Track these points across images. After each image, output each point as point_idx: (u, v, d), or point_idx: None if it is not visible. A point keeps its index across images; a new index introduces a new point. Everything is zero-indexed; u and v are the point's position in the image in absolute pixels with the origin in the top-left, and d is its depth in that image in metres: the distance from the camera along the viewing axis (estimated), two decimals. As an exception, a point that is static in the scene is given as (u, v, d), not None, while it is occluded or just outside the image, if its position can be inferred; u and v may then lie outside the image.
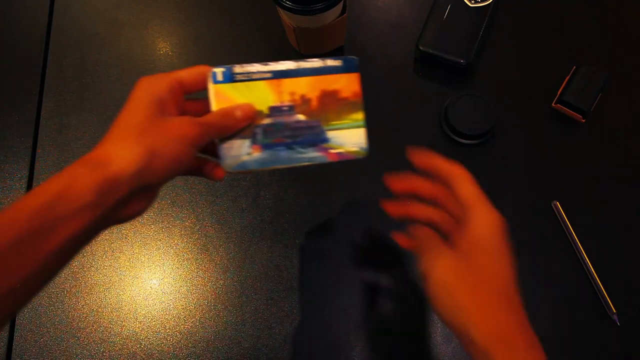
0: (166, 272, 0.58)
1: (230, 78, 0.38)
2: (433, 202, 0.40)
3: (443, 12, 0.62)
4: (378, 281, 0.57)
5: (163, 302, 0.57)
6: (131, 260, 0.58)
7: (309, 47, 0.63)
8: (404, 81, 0.64)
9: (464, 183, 0.38)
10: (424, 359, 0.54)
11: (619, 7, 0.65)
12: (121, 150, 0.31)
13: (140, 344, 0.55)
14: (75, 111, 0.64)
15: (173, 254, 0.58)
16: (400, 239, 0.42)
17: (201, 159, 0.39)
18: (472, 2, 0.62)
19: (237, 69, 0.38)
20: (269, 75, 0.39)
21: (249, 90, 0.39)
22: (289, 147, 0.39)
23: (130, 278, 0.58)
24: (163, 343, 0.55)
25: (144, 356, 0.55)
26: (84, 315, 0.56)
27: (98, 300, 0.57)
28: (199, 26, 0.67)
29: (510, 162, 0.60)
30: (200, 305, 0.56)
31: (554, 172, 0.59)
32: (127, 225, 0.60)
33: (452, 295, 0.35)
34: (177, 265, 0.58)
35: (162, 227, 0.59)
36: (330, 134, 0.40)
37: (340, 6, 0.55)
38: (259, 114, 0.39)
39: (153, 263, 0.58)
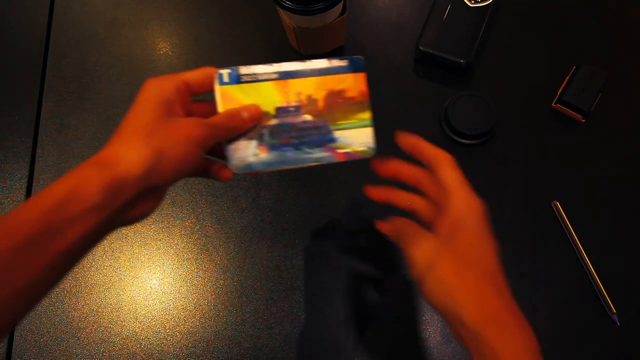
0: (166, 272, 0.58)
1: (236, 79, 0.38)
2: (415, 188, 0.41)
3: (443, 12, 0.62)
4: (378, 281, 0.57)
5: (163, 302, 0.57)
6: (131, 260, 0.58)
7: (309, 47, 0.63)
8: (404, 81, 0.64)
9: (446, 167, 0.38)
10: (424, 359, 0.54)
11: (619, 7, 0.65)
12: (128, 152, 0.31)
13: (140, 344, 0.55)
14: (75, 111, 0.64)
15: (173, 254, 0.58)
16: (382, 226, 0.42)
17: (208, 160, 0.39)
18: (472, 2, 0.62)
19: (243, 70, 0.38)
20: (275, 76, 0.39)
21: (255, 91, 0.39)
22: (296, 147, 0.39)
23: (130, 278, 0.58)
24: (163, 343, 0.55)
25: (144, 356, 0.55)
26: (84, 315, 0.56)
27: (98, 300, 0.57)
28: (199, 26, 0.67)
29: (510, 162, 0.60)
30: (200, 305, 0.56)
31: (554, 172, 0.59)
32: (127, 225, 0.60)
33: (441, 278, 0.35)
34: (177, 265, 0.58)
35: (162, 227, 0.59)
36: (337, 134, 0.40)
37: (340, 6, 0.55)
38: (265, 115, 0.39)
39: (153, 263, 0.58)
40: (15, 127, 0.64)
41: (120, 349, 0.55)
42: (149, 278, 0.58)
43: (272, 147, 0.39)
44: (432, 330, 0.55)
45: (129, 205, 0.32)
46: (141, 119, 0.33)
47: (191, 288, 0.57)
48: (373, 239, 0.58)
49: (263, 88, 0.39)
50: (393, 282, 0.57)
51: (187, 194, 0.60)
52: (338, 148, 0.40)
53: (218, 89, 0.38)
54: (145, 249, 0.59)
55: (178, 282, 0.57)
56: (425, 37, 0.61)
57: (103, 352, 0.55)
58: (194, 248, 0.58)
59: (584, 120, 0.60)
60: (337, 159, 0.40)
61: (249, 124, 0.38)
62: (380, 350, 0.54)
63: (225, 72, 0.38)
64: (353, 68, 0.40)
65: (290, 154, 0.39)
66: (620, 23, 0.65)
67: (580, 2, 0.65)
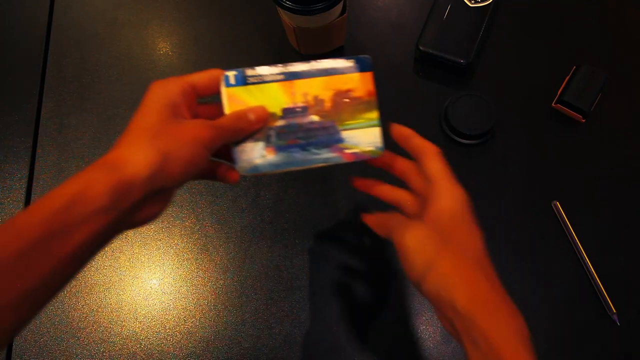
0: (166, 272, 0.58)
1: (242, 81, 0.38)
2: (402, 182, 0.41)
3: (443, 12, 0.62)
4: (378, 281, 0.57)
5: (163, 302, 0.57)
6: (131, 260, 0.58)
7: (309, 47, 0.63)
8: (404, 81, 0.64)
9: (432, 159, 0.38)
10: (423, 359, 0.54)
11: (619, 7, 0.65)
12: (135, 154, 0.31)
13: (140, 344, 0.55)
14: (75, 111, 0.64)
15: (173, 254, 0.58)
16: (368, 219, 0.42)
17: (215, 162, 0.39)
18: (472, 2, 0.62)
19: (249, 71, 0.38)
20: (281, 77, 0.39)
21: (262, 92, 0.38)
22: (304, 148, 0.39)
23: (130, 278, 0.58)
24: (163, 343, 0.55)
25: (144, 356, 0.55)
26: (84, 315, 0.56)
27: (98, 300, 0.57)
28: (199, 26, 0.67)
29: (510, 162, 0.60)
30: (200, 305, 0.56)
31: (554, 172, 0.59)
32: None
33: (433, 262, 0.35)
34: (177, 265, 0.58)
35: (162, 227, 0.59)
36: (345, 134, 0.39)
37: (340, 6, 0.55)
38: (272, 116, 0.39)
39: (153, 263, 0.58)
40: (15, 127, 0.64)
41: (120, 349, 0.55)
42: (149, 278, 0.58)
43: (279, 149, 0.39)
44: (432, 330, 0.55)
45: (136, 208, 0.32)
46: (147, 121, 0.33)
47: (191, 288, 0.57)
48: (373, 239, 0.58)
49: (269, 89, 0.39)
50: (393, 282, 0.57)
51: (187, 194, 0.60)
52: (346, 148, 0.39)
53: (225, 91, 0.38)
54: (145, 249, 0.59)
55: (178, 282, 0.57)
56: (425, 37, 0.61)
57: (103, 352, 0.55)
58: (194, 248, 0.58)
59: (584, 120, 0.60)
60: (345, 160, 0.39)
61: (256, 126, 0.38)
62: (380, 350, 0.54)
63: (231, 74, 0.38)
64: (360, 67, 0.40)
65: (298, 155, 0.39)
66: (620, 23, 0.65)
67: (580, 2, 0.65)
